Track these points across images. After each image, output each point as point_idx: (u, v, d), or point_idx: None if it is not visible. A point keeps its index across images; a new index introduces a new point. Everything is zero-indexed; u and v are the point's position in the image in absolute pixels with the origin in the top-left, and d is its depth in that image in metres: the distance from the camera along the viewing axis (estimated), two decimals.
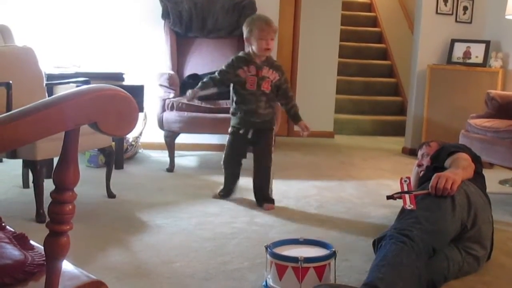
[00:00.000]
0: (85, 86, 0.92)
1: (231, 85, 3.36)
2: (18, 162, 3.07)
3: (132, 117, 0.95)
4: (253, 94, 3.26)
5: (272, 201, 3.31)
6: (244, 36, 3.31)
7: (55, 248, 0.93)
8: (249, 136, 3.30)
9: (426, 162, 2.87)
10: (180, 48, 4.77)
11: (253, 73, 3.25)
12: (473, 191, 2.31)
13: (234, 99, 3.33)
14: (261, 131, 3.30)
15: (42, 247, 1.00)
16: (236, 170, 3.42)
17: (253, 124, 3.29)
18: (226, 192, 3.44)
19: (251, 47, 3.27)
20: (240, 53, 3.40)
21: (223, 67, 3.34)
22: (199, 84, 3.39)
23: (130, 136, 4.52)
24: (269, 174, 3.31)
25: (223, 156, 3.42)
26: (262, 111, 3.27)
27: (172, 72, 4.33)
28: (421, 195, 2.29)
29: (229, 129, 3.38)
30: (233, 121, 3.36)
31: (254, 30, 3.23)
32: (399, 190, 2.34)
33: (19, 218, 2.83)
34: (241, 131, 3.31)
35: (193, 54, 4.79)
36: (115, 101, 0.92)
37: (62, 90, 3.79)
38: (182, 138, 4.45)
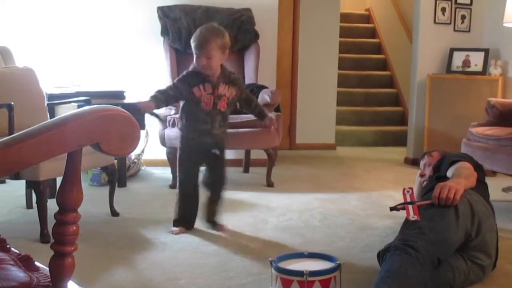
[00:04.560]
0: (86, 107, 0.93)
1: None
2: (21, 183, 3.08)
3: (134, 136, 0.96)
4: (209, 114, 2.97)
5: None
6: None
7: (60, 269, 0.93)
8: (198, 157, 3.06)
9: (428, 172, 2.87)
10: (180, 65, 4.78)
11: (209, 92, 2.94)
12: (476, 199, 2.31)
13: (185, 116, 3.03)
14: (215, 154, 3.07)
15: (47, 268, 1.00)
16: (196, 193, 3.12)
17: (206, 145, 3.03)
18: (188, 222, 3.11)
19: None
20: (192, 68, 3.01)
21: (175, 82, 3.00)
22: (150, 98, 2.93)
23: (133, 154, 4.52)
24: (222, 197, 3.13)
25: (179, 180, 3.09)
26: (216, 131, 3.01)
27: None
28: (424, 205, 2.29)
29: (179, 150, 3.10)
30: (183, 141, 3.08)
31: (192, 45, 2.93)
32: (402, 201, 2.34)
33: (23, 239, 2.83)
34: (192, 155, 3.05)
35: None
36: (116, 121, 0.93)
37: (64, 110, 3.83)
38: None
